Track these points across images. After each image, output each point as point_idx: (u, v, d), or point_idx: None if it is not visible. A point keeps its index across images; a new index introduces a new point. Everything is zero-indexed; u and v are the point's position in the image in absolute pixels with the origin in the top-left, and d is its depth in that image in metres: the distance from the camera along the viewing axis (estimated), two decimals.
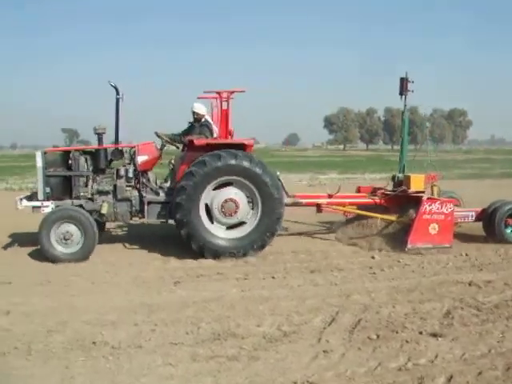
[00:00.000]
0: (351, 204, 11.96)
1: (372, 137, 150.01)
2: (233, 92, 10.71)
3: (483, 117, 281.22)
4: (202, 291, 7.76)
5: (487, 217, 11.59)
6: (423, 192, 11.59)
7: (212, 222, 10.17)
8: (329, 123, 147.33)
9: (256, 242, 10.13)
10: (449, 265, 9.58)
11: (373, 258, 10.08)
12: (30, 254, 10.12)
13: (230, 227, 10.32)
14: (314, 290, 7.89)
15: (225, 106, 10.74)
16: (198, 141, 10.51)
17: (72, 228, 9.64)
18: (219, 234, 10.18)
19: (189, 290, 7.81)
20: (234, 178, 10.14)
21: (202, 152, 10.16)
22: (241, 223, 10.30)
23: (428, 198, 11.05)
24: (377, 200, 12.01)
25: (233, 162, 9.98)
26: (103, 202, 10.28)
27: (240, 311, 6.81)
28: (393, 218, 11.48)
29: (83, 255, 9.67)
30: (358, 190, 12.77)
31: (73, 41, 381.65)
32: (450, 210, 10.87)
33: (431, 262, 9.77)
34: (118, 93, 10.45)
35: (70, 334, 5.98)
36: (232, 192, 10.19)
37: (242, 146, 10.42)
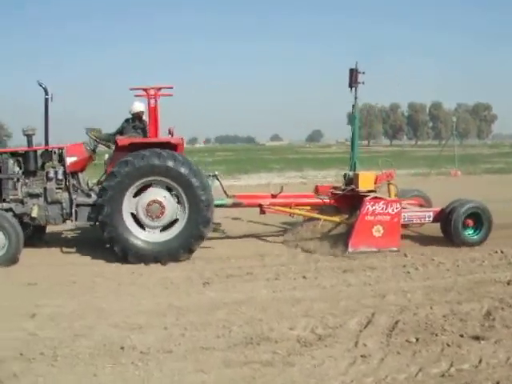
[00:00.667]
0: (297, 204, 11.27)
1: (396, 132, 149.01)
2: (160, 88, 10.34)
3: (508, 111, 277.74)
4: (232, 292, 7.55)
5: (445, 217, 10.72)
6: (374, 191, 10.91)
7: (144, 229, 9.77)
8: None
9: (183, 246, 9.60)
10: (484, 263, 9.21)
11: (405, 256, 9.74)
12: (54, 256, 10.03)
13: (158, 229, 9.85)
14: (348, 291, 7.64)
15: (153, 104, 10.31)
16: (122, 140, 10.27)
17: None
18: (144, 237, 9.71)
19: (218, 292, 7.61)
20: (159, 178, 9.69)
21: (129, 152, 9.75)
22: (170, 225, 9.83)
23: (371, 198, 10.36)
24: (326, 200, 11.39)
25: (156, 161, 9.53)
26: (33, 205, 9.99)
27: (272, 313, 6.58)
28: (336, 219, 10.91)
29: (7, 260, 9.25)
30: (316, 190, 11.99)
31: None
32: (396, 210, 10.20)
33: (465, 260, 9.41)
34: (46, 93, 10.25)
35: (96, 338, 5.80)
36: (156, 193, 9.75)
37: (169, 145, 9.99)
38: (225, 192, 11.11)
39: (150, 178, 9.66)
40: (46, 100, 10.26)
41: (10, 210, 9.84)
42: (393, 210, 10.16)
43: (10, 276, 8.69)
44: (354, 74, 12.58)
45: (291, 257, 9.84)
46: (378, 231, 10.09)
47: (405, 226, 11.00)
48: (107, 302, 7.11)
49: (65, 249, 10.27)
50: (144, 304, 7.02)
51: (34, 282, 8.18)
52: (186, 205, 9.64)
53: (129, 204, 9.65)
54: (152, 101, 10.26)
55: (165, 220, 9.72)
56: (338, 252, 9.91)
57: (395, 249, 10.09)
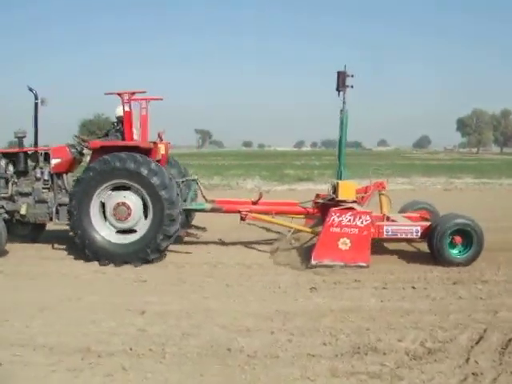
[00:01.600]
0: (278, 212, 10.89)
1: (507, 139, 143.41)
2: (133, 93, 10.33)
3: None
4: (340, 300, 7.41)
5: (431, 233, 9.70)
6: (355, 201, 10.38)
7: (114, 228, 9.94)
8: (462, 125, 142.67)
9: (150, 246, 9.59)
10: None
11: None
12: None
13: (127, 231, 9.95)
14: (458, 304, 7.30)
15: (127, 108, 10.39)
16: (93, 143, 10.58)
17: None
18: (113, 239, 9.87)
19: (325, 298, 7.47)
20: (124, 181, 9.80)
21: (103, 155, 9.89)
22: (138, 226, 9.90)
23: (337, 209, 9.62)
24: (309, 209, 10.91)
25: (118, 164, 9.65)
26: (23, 203, 10.68)
27: (380, 323, 6.40)
28: (308, 229, 10.52)
29: None
30: (317, 197, 11.27)
31: None
32: (365, 222, 9.34)
33: None
34: (36, 98, 10.81)
35: (204, 338, 5.84)
36: (125, 196, 9.89)
37: (139, 149, 10.09)
38: (204, 197, 11.21)
39: (113, 181, 9.83)
40: (36, 104, 10.87)
41: (2, 207, 10.75)
42: (362, 223, 9.36)
43: (120, 274, 8.98)
44: (342, 77, 12.01)
45: (399, 265, 9.60)
46: (344, 244, 9.34)
47: (393, 240, 10.41)
48: (215, 302, 7.16)
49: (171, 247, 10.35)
50: (251, 307, 7.00)
51: (144, 280, 8.40)
52: (150, 205, 9.73)
53: (97, 209, 9.91)
54: (126, 105, 10.37)
55: (132, 221, 9.87)
56: (302, 265, 9.38)
57: (364, 264, 9.22)
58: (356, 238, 9.28)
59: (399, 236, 9.99)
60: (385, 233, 9.83)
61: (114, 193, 9.93)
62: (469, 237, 9.48)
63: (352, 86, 12.08)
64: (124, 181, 9.80)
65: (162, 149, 11.34)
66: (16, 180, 10.96)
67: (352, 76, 11.99)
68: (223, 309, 6.87)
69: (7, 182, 10.89)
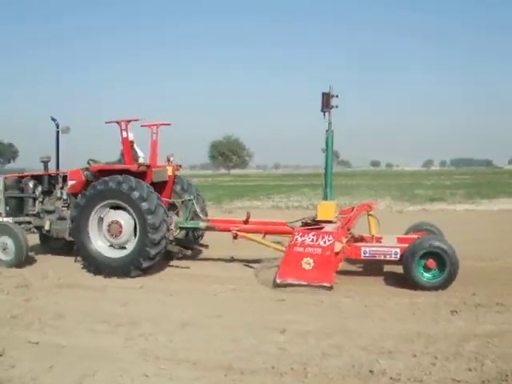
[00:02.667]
0: (267, 232, 11.00)
1: None
2: (129, 121, 11.25)
3: None
4: (482, 323, 7.07)
5: (403, 255, 9.47)
6: (331, 221, 10.25)
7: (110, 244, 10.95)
8: None
9: (134, 264, 10.43)
10: None
11: None
12: None
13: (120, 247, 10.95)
14: None
15: (124, 135, 11.29)
16: (93, 167, 11.69)
17: (8, 240, 11.38)
18: (105, 252, 10.87)
19: (468, 321, 7.17)
20: (118, 201, 10.74)
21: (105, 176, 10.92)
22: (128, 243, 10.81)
23: (301, 228, 9.87)
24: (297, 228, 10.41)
25: (113, 186, 10.61)
26: (47, 220, 12.09)
27: None
28: (282, 248, 10.36)
29: (15, 264, 11.27)
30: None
31: None
32: (328, 242, 9.20)
33: None
34: (57, 127, 12.39)
35: (345, 359, 5.77)
36: (118, 215, 10.83)
37: (132, 172, 10.90)
38: (199, 216, 11.96)
39: (109, 201, 10.83)
40: (57, 133, 12.42)
41: (30, 222, 12.34)
42: (324, 243, 9.25)
43: (258, 292, 9.09)
44: (326, 97, 11.95)
45: None
46: (307, 264, 9.25)
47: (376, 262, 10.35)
48: (354, 323, 7.07)
49: None
50: (392, 328, 6.85)
51: (282, 299, 8.43)
52: (138, 226, 10.56)
53: (95, 225, 10.97)
54: (124, 132, 11.28)
55: (123, 238, 10.80)
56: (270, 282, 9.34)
57: (327, 285, 9.00)
58: (319, 257, 9.22)
59: (377, 257, 9.99)
60: (362, 254, 9.95)
61: (112, 211, 10.93)
62: (442, 261, 9.13)
63: (337, 106, 12.10)
64: (118, 201, 10.77)
65: (169, 170, 12.26)
66: (41, 199, 12.52)
67: (337, 96, 12.05)
68: (363, 330, 6.77)
69: (34, 200, 12.49)
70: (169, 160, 12.51)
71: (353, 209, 11.18)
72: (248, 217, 11.50)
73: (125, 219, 10.76)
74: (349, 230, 10.98)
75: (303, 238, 9.42)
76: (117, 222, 10.79)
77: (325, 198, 12.39)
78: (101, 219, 10.99)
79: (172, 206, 12.14)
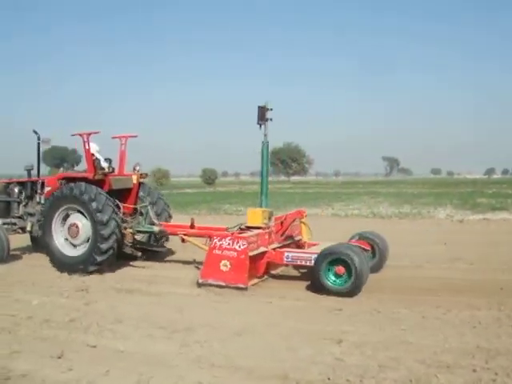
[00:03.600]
0: (210, 236, 11.03)
1: None
2: (90, 134, 12.41)
3: None
4: None
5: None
6: (259, 227, 11.00)
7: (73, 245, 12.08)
8: None
9: (90, 259, 11.48)
10: None
11: None
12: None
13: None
14: None
15: (87, 146, 12.47)
16: (58, 175, 13.65)
17: None
18: (70, 252, 11.98)
19: None
20: (73, 205, 11.95)
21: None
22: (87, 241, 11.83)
23: (220, 233, 10.69)
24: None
25: (68, 192, 11.89)
26: (29, 222, 13.55)
27: None
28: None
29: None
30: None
31: None
32: (242, 247, 9.87)
33: None
34: (39, 139, 13.93)
35: (402, 372, 5.65)
36: (73, 217, 12.03)
37: (91, 180, 12.10)
38: (153, 222, 12.79)
39: (67, 205, 12.02)
40: (38, 144, 13.93)
41: (15, 224, 13.83)
42: (239, 247, 9.94)
43: (316, 302, 8.99)
44: (262, 111, 12.72)
45: None
46: (225, 266, 9.99)
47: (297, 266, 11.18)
48: (413, 335, 6.91)
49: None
50: (451, 342, 6.64)
51: (339, 308, 8.33)
52: (91, 225, 11.62)
53: (58, 228, 12.17)
54: (86, 144, 12.46)
55: (81, 238, 11.90)
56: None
57: (242, 286, 9.76)
58: (234, 260, 9.90)
59: (299, 263, 10.52)
60: (285, 259, 10.54)
61: (75, 215, 12.01)
62: (349, 269, 9.39)
63: (271, 119, 12.84)
64: (74, 205, 11.95)
65: (134, 179, 13.40)
66: (25, 203, 14.02)
67: (271, 109, 12.79)
68: (421, 342, 6.61)
69: (19, 204, 14.04)
70: (134, 169, 13.70)
71: (285, 216, 11.87)
72: (192, 222, 12.36)
73: (82, 222, 11.86)
74: (289, 236, 11.85)
75: (221, 242, 10.12)
76: (74, 225, 11.94)
77: (260, 205, 12.95)
78: (64, 222, 12.19)
79: (136, 211, 13.14)
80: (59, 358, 6.22)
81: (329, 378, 5.48)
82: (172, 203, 14.38)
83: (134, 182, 13.34)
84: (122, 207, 12.53)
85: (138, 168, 13.66)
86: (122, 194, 12.99)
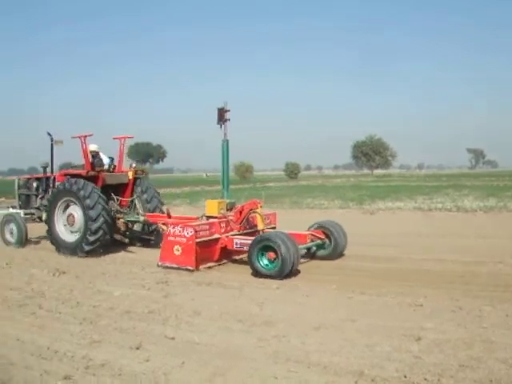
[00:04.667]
0: (184, 224, 11.90)
1: None
2: (86, 136, 14.51)
3: None
4: None
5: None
6: (215, 217, 12.63)
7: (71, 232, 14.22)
8: None
9: (85, 242, 13.50)
10: None
11: None
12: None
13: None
14: None
15: (84, 146, 14.58)
16: (60, 172, 15.65)
17: (14, 227, 15.68)
18: (67, 238, 14.19)
19: None
20: (71, 198, 14.01)
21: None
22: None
23: (173, 221, 12.57)
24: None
25: (68, 187, 13.98)
26: (44, 212, 15.19)
27: None
28: None
29: (19, 243, 15.44)
30: None
31: None
32: (190, 234, 11.29)
33: None
34: (52, 140, 15.86)
35: (483, 371, 5.43)
36: (71, 208, 14.15)
37: (87, 177, 14.20)
38: (138, 213, 14.95)
39: (66, 198, 14.16)
40: (52, 145, 15.89)
41: (33, 214, 16.29)
42: (187, 234, 11.36)
43: (395, 297, 8.76)
44: (221, 112, 14.45)
45: None
46: (177, 250, 11.48)
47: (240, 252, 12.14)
48: (496, 334, 6.63)
49: None
50: None
51: (420, 304, 8.14)
52: (83, 218, 13.61)
53: (60, 217, 14.35)
54: (84, 144, 14.61)
55: (76, 227, 14.04)
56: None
57: (191, 268, 11.22)
58: (184, 245, 11.38)
59: (244, 248, 11.45)
60: (235, 245, 11.82)
61: (73, 206, 14.03)
62: (277, 254, 10.43)
63: (229, 119, 14.85)
64: (71, 198, 13.99)
65: (130, 174, 15.48)
66: (41, 196, 16.31)
67: (229, 111, 14.69)
68: (504, 341, 6.34)
69: (36, 197, 16.46)
70: (131, 166, 15.99)
71: (242, 207, 12.77)
72: (168, 213, 13.87)
73: (78, 213, 13.87)
74: (253, 225, 12.83)
75: (174, 230, 11.61)
76: (71, 215, 14.05)
77: (222, 197, 15.05)
78: (64, 212, 14.30)
79: (131, 203, 15.31)
80: (137, 348, 6.35)
81: (405, 376, 5.34)
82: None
83: (130, 177, 15.44)
84: (117, 199, 15.10)
85: (134, 165, 16.09)
86: (118, 188, 15.34)
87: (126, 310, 8.08)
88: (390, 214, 24.20)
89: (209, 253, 11.81)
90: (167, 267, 11.43)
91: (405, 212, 24.34)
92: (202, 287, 9.71)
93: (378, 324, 7.19)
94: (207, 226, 11.87)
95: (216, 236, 11.90)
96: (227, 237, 11.97)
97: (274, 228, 13.43)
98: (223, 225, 12.32)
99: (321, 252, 12.64)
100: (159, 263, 11.68)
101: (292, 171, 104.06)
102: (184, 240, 11.35)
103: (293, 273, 10.64)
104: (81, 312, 8.05)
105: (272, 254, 10.51)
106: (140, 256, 13.72)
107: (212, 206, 12.98)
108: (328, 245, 12.55)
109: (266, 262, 10.67)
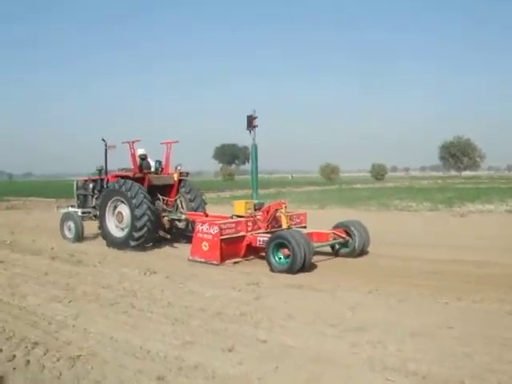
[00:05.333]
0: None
1: None
2: (134, 142, 15.88)
3: None
4: None
5: None
6: (242, 216, 13.52)
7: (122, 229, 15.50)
8: None
9: (131, 238, 14.77)
10: None
11: None
12: None
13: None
14: None
15: (132, 151, 15.96)
16: (112, 174, 16.85)
17: (72, 224, 17.30)
18: (116, 234, 15.55)
19: None
20: (120, 198, 15.29)
21: None
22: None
23: (202, 220, 13.53)
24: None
25: (116, 187, 15.31)
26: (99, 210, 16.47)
27: None
28: None
29: (76, 239, 17.09)
30: None
31: None
32: (215, 231, 12.30)
33: None
34: (106, 145, 17.00)
35: None
36: (120, 207, 15.46)
37: (135, 178, 15.53)
38: (181, 212, 16.13)
39: (116, 197, 15.46)
40: (106, 150, 17.13)
41: (90, 212, 17.80)
42: (213, 231, 12.40)
43: (496, 304, 8.34)
44: (250, 119, 15.44)
45: None
46: (205, 246, 12.54)
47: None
48: None
49: None
50: None
51: None
52: (131, 215, 14.83)
53: (110, 214, 15.70)
54: (132, 149, 15.94)
55: (124, 224, 15.28)
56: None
57: (215, 262, 12.25)
58: (210, 242, 12.43)
59: (265, 245, 11.99)
60: (258, 242, 12.54)
61: (122, 205, 15.34)
62: (289, 250, 11.21)
63: (257, 126, 15.68)
64: (120, 198, 15.26)
65: (175, 176, 16.70)
66: (96, 196, 17.66)
67: (257, 118, 15.56)
68: None
69: (92, 197, 17.90)
70: (176, 168, 16.96)
71: (269, 207, 13.58)
72: (205, 212, 15.61)
73: (126, 211, 15.11)
74: (279, 224, 13.58)
75: (202, 227, 12.68)
76: (120, 213, 15.33)
77: (252, 198, 16.09)
78: (114, 210, 15.60)
79: (175, 202, 16.66)
80: (230, 351, 6.29)
81: None
82: (341, 199, 14.57)
83: (175, 179, 16.67)
84: (163, 199, 16.33)
85: (179, 168, 16.99)
86: (165, 189, 16.59)
87: (218, 311, 8.05)
88: (481, 216, 23.38)
89: (235, 249, 12.79)
90: (196, 261, 12.59)
91: (495, 215, 23.48)
92: (293, 290, 9.57)
93: (476, 332, 6.87)
94: (233, 225, 12.86)
95: (242, 234, 12.90)
96: (252, 234, 12.86)
97: (305, 227, 14.23)
98: (250, 223, 13.32)
99: (344, 250, 13.32)
100: (189, 258, 12.84)
101: (378, 172, 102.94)
102: (210, 237, 12.41)
103: (386, 277, 10.41)
104: (172, 312, 8.08)
105: (286, 251, 11.31)
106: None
107: (239, 206, 13.92)
108: (350, 243, 13.14)
109: (280, 257, 11.54)
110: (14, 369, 5.93)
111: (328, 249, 13.51)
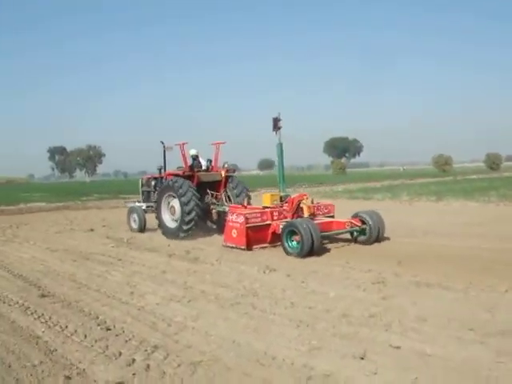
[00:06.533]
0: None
1: None
2: (184, 144, 18.16)
3: None
4: None
5: None
6: (268, 207, 15.03)
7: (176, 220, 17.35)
8: None
9: (180, 230, 16.71)
10: None
11: None
12: None
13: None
14: None
15: (182, 152, 18.20)
16: (167, 172, 18.76)
17: (136, 216, 19.68)
18: (170, 224, 17.50)
19: None
20: (172, 193, 17.20)
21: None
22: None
23: (231, 209, 15.59)
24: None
25: (170, 184, 17.25)
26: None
27: None
28: None
29: (140, 230, 19.39)
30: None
31: None
32: (242, 220, 13.85)
33: None
34: (164, 147, 18.99)
35: None
36: (172, 201, 17.40)
37: (186, 176, 17.57)
38: (224, 204, 17.73)
39: (170, 193, 17.37)
40: (164, 151, 19.18)
41: (152, 206, 19.46)
42: (240, 220, 13.88)
43: None
44: (275, 121, 15.74)
45: None
46: (234, 233, 14.04)
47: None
48: None
49: None
50: None
51: None
52: (181, 209, 16.68)
53: (165, 207, 17.75)
54: (182, 150, 18.23)
55: (176, 216, 17.13)
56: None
57: (243, 247, 13.72)
58: (238, 229, 13.94)
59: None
60: (279, 229, 13.71)
61: (174, 199, 17.23)
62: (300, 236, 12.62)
63: (282, 127, 15.94)
64: (173, 193, 17.13)
65: (222, 173, 18.42)
66: (156, 192, 19.30)
67: (281, 120, 15.83)
68: None
69: (154, 193, 19.80)
70: (223, 166, 18.75)
71: (292, 199, 14.99)
72: (244, 204, 16.16)
73: (177, 205, 17.05)
74: (302, 213, 14.67)
75: (232, 216, 14.30)
76: (173, 206, 17.33)
77: (280, 191, 16.51)
78: (168, 204, 17.57)
79: (222, 196, 18.25)
80: (362, 358, 5.80)
81: None
82: (457, 190, 13.73)
83: (222, 175, 18.40)
84: (211, 194, 18.07)
85: (226, 165, 18.82)
86: (214, 184, 18.38)
87: (344, 313, 7.55)
88: None
89: (261, 236, 14.18)
90: (227, 247, 14.20)
91: None
92: (421, 289, 8.89)
93: None
94: (258, 214, 14.33)
95: (267, 222, 14.28)
96: (276, 223, 14.16)
97: (333, 217, 15.54)
98: (276, 213, 14.70)
99: (361, 237, 14.39)
100: (223, 244, 14.50)
101: (493, 162, 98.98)
102: (238, 225, 13.96)
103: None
104: (296, 314, 7.65)
105: (297, 237, 12.76)
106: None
107: (266, 198, 15.58)
108: (368, 231, 14.16)
109: (292, 243, 13.04)
110: (134, 374, 5.70)
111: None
